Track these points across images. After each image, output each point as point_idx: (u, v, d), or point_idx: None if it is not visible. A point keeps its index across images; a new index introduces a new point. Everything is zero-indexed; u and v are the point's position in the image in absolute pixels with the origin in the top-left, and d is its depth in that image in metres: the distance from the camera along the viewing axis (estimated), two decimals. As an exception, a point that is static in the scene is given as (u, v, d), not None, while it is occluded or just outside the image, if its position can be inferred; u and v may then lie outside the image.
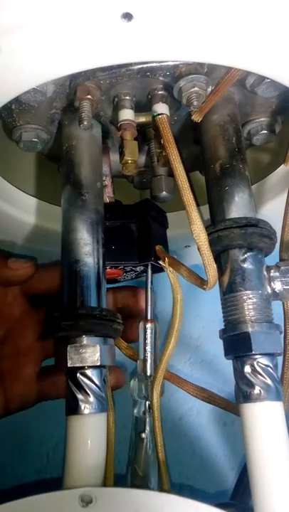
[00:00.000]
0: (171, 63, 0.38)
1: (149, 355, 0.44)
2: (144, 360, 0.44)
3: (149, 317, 0.45)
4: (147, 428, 0.40)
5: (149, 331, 0.44)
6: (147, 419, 0.41)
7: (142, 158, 0.50)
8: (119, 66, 0.37)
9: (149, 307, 0.45)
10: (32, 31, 0.28)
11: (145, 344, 0.44)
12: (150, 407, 0.40)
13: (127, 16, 0.28)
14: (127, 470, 0.38)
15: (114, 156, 0.49)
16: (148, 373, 0.43)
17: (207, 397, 0.43)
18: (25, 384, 0.48)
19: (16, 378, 0.48)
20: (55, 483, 0.35)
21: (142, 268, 0.46)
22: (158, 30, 0.29)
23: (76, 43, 0.30)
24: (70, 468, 0.34)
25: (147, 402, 0.42)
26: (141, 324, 0.45)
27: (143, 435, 0.40)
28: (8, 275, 0.48)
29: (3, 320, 0.49)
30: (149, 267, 0.45)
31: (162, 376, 0.41)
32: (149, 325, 0.45)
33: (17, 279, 0.48)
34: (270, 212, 0.48)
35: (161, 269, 0.43)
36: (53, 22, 0.28)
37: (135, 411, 0.42)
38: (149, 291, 0.46)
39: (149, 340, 0.44)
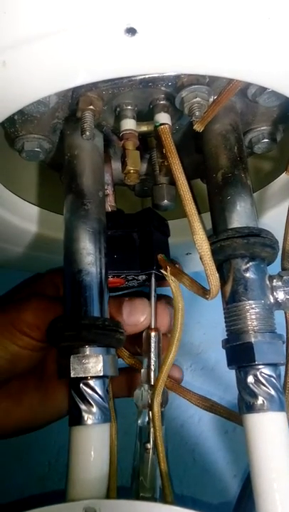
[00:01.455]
0: (173, 74, 0.38)
1: (153, 364, 0.43)
2: (148, 369, 0.43)
3: (153, 326, 0.45)
4: (152, 438, 0.40)
5: (153, 340, 0.44)
6: (152, 430, 0.41)
7: (144, 166, 0.51)
8: (122, 77, 0.37)
9: (153, 315, 0.45)
10: (36, 46, 0.28)
11: (149, 353, 0.44)
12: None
13: (131, 31, 0.28)
14: (132, 481, 0.38)
15: (116, 165, 0.49)
16: (152, 382, 0.43)
17: (209, 406, 0.42)
18: None
19: (60, 383, 0.48)
20: (58, 495, 0.35)
21: (144, 277, 0.46)
22: (161, 44, 0.30)
23: (80, 58, 0.30)
24: (73, 479, 0.34)
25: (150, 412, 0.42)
26: (145, 333, 0.45)
27: (148, 445, 0.40)
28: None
29: None
30: (153, 275, 0.45)
31: (163, 385, 0.41)
32: (153, 333, 0.44)
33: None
34: (272, 220, 0.49)
35: (163, 278, 0.43)
36: (57, 37, 0.28)
37: (139, 421, 0.42)
38: (153, 300, 0.45)
39: (153, 349, 0.44)
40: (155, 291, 0.46)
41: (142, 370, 0.44)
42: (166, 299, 0.47)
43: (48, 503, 0.32)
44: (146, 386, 0.43)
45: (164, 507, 0.34)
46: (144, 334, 0.45)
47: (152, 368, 0.43)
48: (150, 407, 0.41)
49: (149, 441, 0.40)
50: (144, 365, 0.44)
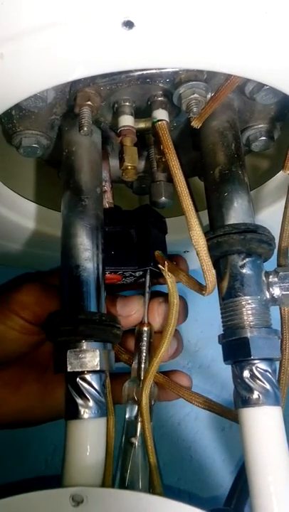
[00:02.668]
0: (170, 70, 0.38)
1: (143, 358, 0.43)
2: (139, 364, 0.43)
3: (145, 320, 0.45)
4: (138, 433, 0.40)
5: (145, 335, 0.44)
6: (139, 424, 0.40)
7: (142, 163, 0.51)
8: (120, 73, 0.38)
9: (146, 311, 0.45)
10: (34, 39, 0.29)
11: (140, 347, 0.44)
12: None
13: (128, 24, 0.28)
14: (114, 478, 0.38)
15: (114, 162, 0.49)
16: (142, 376, 0.43)
17: (203, 402, 0.43)
18: None
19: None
20: (55, 481, 0.35)
21: (142, 273, 0.46)
22: (159, 38, 0.30)
23: (78, 51, 0.30)
24: (68, 471, 0.34)
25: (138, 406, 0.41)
26: (137, 328, 0.45)
27: (133, 440, 0.40)
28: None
29: None
30: (148, 272, 0.46)
31: (152, 378, 0.41)
32: (145, 328, 0.45)
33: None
34: (269, 218, 0.49)
35: (160, 275, 0.43)
36: (55, 30, 0.28)
37: (127, 416, 0.42)
38: (147, 296, 0.45)
39: (144, 344, 0.44)
40: (149, 287, 0.46)
41: (133, 365, 0.44)
42: (163, 297, 0.47)
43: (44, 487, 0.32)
44: (135, 380, 0.43)
45: (152, 497, 0.34)
46: (136, 329, 0.45)
47: (142, 362, 0.43)
48: (139, 399, 0.40)
49: (135, 435, 0.40)
50: (134, 360, 0.44)
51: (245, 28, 0.29)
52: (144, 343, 0.44)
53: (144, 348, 0.44)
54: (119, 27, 0.28)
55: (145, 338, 0.44)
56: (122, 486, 0.38)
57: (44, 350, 0.51)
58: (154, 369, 0.41)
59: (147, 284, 0.46)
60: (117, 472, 0.39)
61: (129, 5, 0.27)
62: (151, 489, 0.38)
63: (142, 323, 0.45)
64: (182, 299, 0.47)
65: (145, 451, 0.39)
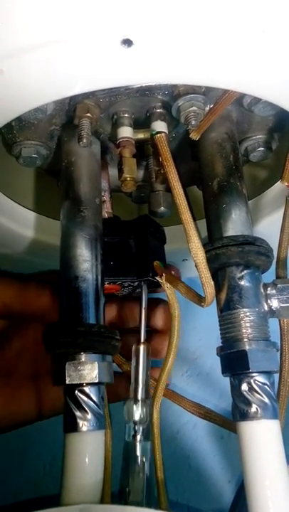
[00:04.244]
0: (168, 84, 0.38)
1: (140, 378, 0.43)
2: (136, 384, 0.43)
3: (142, 339, 0.45)
4: (137, 453, 0.40)
5: (142, 353, 0.44)
6: (137, 444, 0.40)
7: (140, 173, 0.51)
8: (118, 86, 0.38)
9: (142, 329, 0.45)
10: (34, 56, 0.29)
11: (137, 367, 0.43)
12: (150, 424, 0.40)
13: (127, 42, 0.28)
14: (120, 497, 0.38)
15: (113, 171, 0.49)
16: (139, 397, 0.42)
17: (204, 413, 0.43)
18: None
19: (29, 385, 0.47)
20: (52, 499, 0.35)
21: (140, 283, 0.46)
22: (157, 55, 0.30)
23: (77, 68, 0.31)
24: (67, 485, 0.34)
25: (136, 426, 0.41)
26: (134, 347, 0.44)
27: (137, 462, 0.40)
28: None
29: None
30: (144, 287, 0.45)
31: (162, 393, 0.41)
32: (142, 347, 0.44)
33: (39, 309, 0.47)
34: (266, 229, 0.49)
35: (159, 285, 0.43)
36: (55, 47, 0.29)
37: (126, 436, 0.41)
38: (144, 312, 0.45)
39: (142, 364, 0.43)
40: (146, 302, 0.45)
41: (130, 384, 0.43)
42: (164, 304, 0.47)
43: (42, 507, 0.32)
44: (133, 401, 0.42)
45: (157, 513, 0.34)
46: (133, 348, 0.44)
47: (140, 382, 0.43)
48: (151, 415, 0.40)
49: (133, 455, 0.40)
50: (131, 380, 0.43)
51: (242, 47, 0.29)
52: (142, 362, 0.43)
53: (141, 367, 0.43)
54: (118, 45, 0.28)
55: (142, 358, 0.44)
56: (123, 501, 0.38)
57: (8, 354, 0.50)
58: (164, 384, 0.41)
59: (144, 299, 0.45)
60: (121, 492, 0.39)
61: (128, 23, 0.28)
62: (158, 505, 0.38)
63: (138, 342, 0.44)
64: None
65: (143, 468, 0.39)
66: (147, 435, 0.41)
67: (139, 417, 0.41)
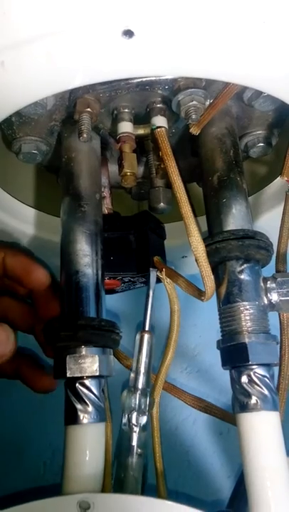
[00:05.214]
0: (169, 77, 0.38)
1: (142, 367, 0.42)
2: (137, 373, 0.42)
3: (147, 328, 0.45)
4: (132, 443, 0.40)
5: (145, 343, 0.44)
6: (134, 434, 0.40)
7: (140, 169, 0.51)
8: (119, 80, 0.38)
9: (148, 317, 0.45)
10: (35, 47, 0.29)
11: (140, 356, 0.43)
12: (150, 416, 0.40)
13: (128, 33, 0.28)
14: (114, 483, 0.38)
15: (113, 167, 0.49)
16: (139, 386, 0.41)
17: (204, 407, 0.43)
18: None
19: None
20: (53, 489, 0.35)
21: (140, 279, 0.46)
22: (158, 47, 0.30)
23: (78, 59, 0.31)
24: (68, 476, 0.35)
25: (134, 416, 0.41)
26: (138, 335, 0.44)
27: (139, 450, 0.40)
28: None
29: None
30: (152, 274, 0.45)
31: (161, 387, 0.41)
32: (146, 336, 0.44)
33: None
34: (266, 224, 0.49)
35: (158, 280, 0.43)
36: (55, 38, 0.29)
37: (123, 423, 0.41)
38: (150, 301, 0.45)
39: (144, 352, 0.43)
40: (153, 291, 0.45)
41: (131, 373, 0.43)
42: None
43: (43, 497, 0.32)
44: (133, 389, 0.42)
45: (158, 501, 0.34)
46: (137, 336, 0.44)
47: (142, 371, 0.42)
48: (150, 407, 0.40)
49: (129, 445, 0.40)
50: (132, 369, 0.43)
51: (243, 38, 0.29)
52: (145, 351, 0.43)
53: (144, 356, 0.43)
54: (119, 36, 0.29)
55: (145, 347, 0.44)
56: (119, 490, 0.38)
57: None
58: (163, 377, 0.41)
59: (151, 289, 0.45)
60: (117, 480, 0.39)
61: (129, 14, 0.28)
62: (157, 495, 0.38)
63: (143, 330, 0.44)
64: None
65: (140, 459, 0.39)
66: (145, 426, 0.41)
67: (137, 406, 0.41)
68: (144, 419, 0.40)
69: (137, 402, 0.41)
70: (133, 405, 0.41)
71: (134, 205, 0.58)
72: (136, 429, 0.40)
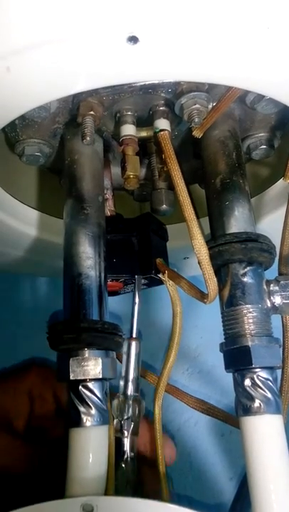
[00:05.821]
0: (172, 80, 0.38)
1: (131, 374, 0.43)
2: (126, 380, 0.43)
3: (134, 335, 0.45)
4: (124, 449, 0.40)
5: (133, 350, 0.44)
6: (125, 440, 0.40)
7: (143, 171, 0.51)
8: (123, 84, 0.38)
9: (134, 324, 0.45)
10: (40, 53, 0.29)
11: (128, 363, 0.43)
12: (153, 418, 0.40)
13: (133, 39, 0.29)
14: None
15: (115, 169, 0.49)
16: (129, 392, 0.42)
17: (206, 409, 0.43)
18: None
19: None
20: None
21: (143, 281, 0.46)
22: (162, 52, 0.30)
23: (83, 65, 0.31)
24: (71, 479, 0.35)
25: (124, 422, 0.41)
26: (125, 342, 0.44)
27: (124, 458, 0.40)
28: None
29: None
30: (137, 281, 0.45)
31: (164, 389, 0.41)
32: (133, 343, 0.44)
33: None
34: (269, 226, 0.49)
35: (161, 282, 0.43)
36: (61, 44, 0.29)
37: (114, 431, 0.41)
38: (136, 308, 0.45)
39: (132, 359, 0.43)
40: (139, 297, 0.45)
41: (120, 379, 0.43)
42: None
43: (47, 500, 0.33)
44: (122, 396, 0.42)
45: (161, 504, 0.34)
46: (124, 343, 0.44)
47: (131, 378, 0.43)
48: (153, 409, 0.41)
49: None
50: (122, 375, 0.43)
51: (247, 44, 0.30)
52: (133, 357, 0.43)
53: (132, 362, 0.43)
54: (124, 42, 0.29)
55: (134, 353, 0.44)
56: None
57: None
58: (165, 379, 0.41)
59: (136, 295, 0.45)
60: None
61: (134, 21, 0.28)
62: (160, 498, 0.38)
63: (130, 337, 0.44)
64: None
65: (132, 462, 0.39)
66: (135, 431, 0.41)
67: (127, 412, 0.41)
68: (134, 425, 0.40)
69: (126, 409, 0.41)
70: (123, 412, 0.41)
71: (136, 206, 0.59)
72: (126, 434, 0.40)
